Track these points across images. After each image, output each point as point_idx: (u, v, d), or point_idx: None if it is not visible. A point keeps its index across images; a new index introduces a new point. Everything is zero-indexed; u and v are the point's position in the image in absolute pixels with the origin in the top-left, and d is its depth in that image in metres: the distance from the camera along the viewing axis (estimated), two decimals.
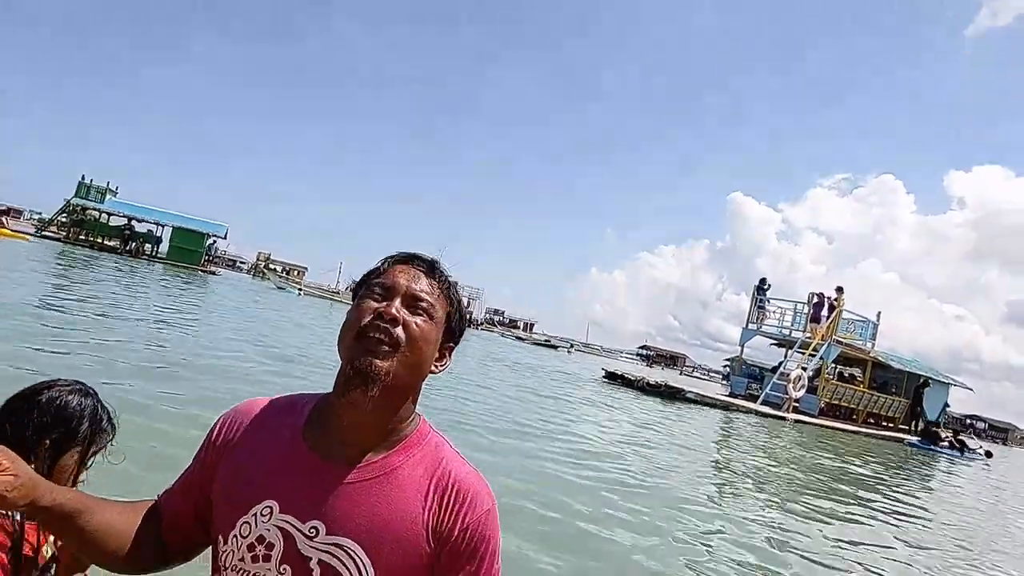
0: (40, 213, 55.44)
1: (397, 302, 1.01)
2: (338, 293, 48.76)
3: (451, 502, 1.00)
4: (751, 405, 20.18)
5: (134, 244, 38.13)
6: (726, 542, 5.10)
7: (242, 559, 0.97)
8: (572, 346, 76.26)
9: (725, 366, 49.72)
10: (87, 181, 38.09)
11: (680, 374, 68.56)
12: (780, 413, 19.81)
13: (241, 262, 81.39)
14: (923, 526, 7.74)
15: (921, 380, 24.92)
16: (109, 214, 38.85)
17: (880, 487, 10.12)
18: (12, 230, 31.36)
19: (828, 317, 22.52)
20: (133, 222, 38.71)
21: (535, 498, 5.10)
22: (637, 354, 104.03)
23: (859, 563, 5.34)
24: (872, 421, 24.44)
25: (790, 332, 23.97)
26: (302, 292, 46.40)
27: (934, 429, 22.44)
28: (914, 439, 21.57)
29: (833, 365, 24.20)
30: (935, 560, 6.11)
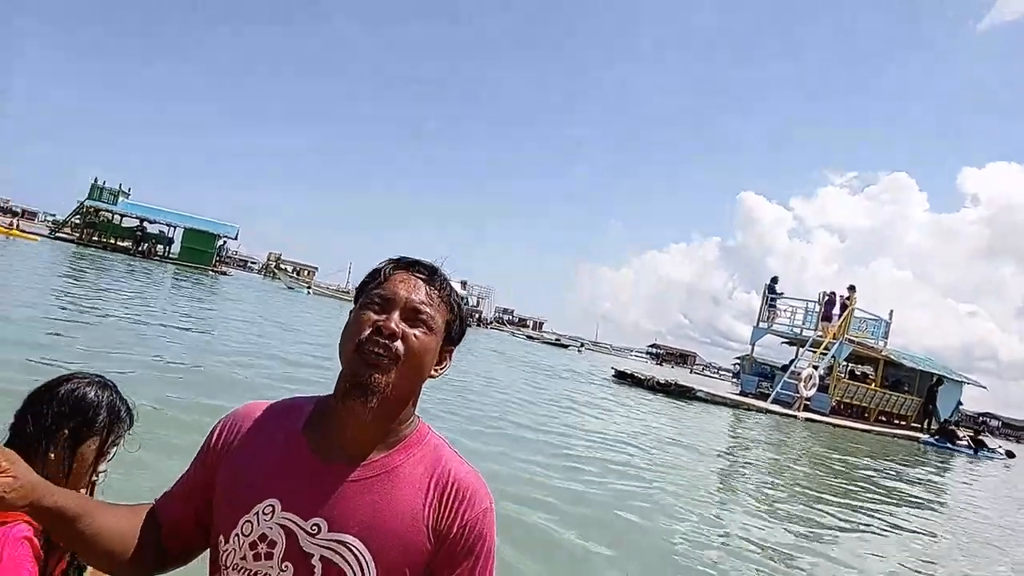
0: (54, 215, 56.07)
1: (396, 315, 1.01)
2: (348, 292, 48.97)
3: (450, 499, 1.02)
4: (762, 404, 20.07)
5: (146, 245, 38.48)
6: (737, 541, 5.08)
7: (244, 557, 0.98)
8: (583, 345, 76.17)
9: (735, 364, 49.55)
10: (100, 183, 38.45)
11: (691, 372, 68.31)
12: (791, 412, 19.69)
13: (252, 262, 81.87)
14: (940, 524, 7.67)
15: (934, 379, 24.69)
16: (122, 215, 39.22)
17: (896, 486, 10.04)
18: (23, 231, 31.75)
19: (840, 315, 22.36)
20: (145, 223, 39.08)
21: (542, 498, 5.10)
22: (647, 352, 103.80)
23: (874, 560, 5.31)
24: (884, 419, 24.25)
25: (801, 331, 23.81)
26: (311, 292, 46.56)
27: (951, 428, 21.93)
28: (930, 438, 21.20)
29: (845, 363, 24.03)
30: (954, 557, 6.06)
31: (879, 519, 7.24)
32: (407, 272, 1.06)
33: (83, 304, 10.98)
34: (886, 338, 24.37)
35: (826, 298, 23.05)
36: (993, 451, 22.29)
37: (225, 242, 43.84)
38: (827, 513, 6.95)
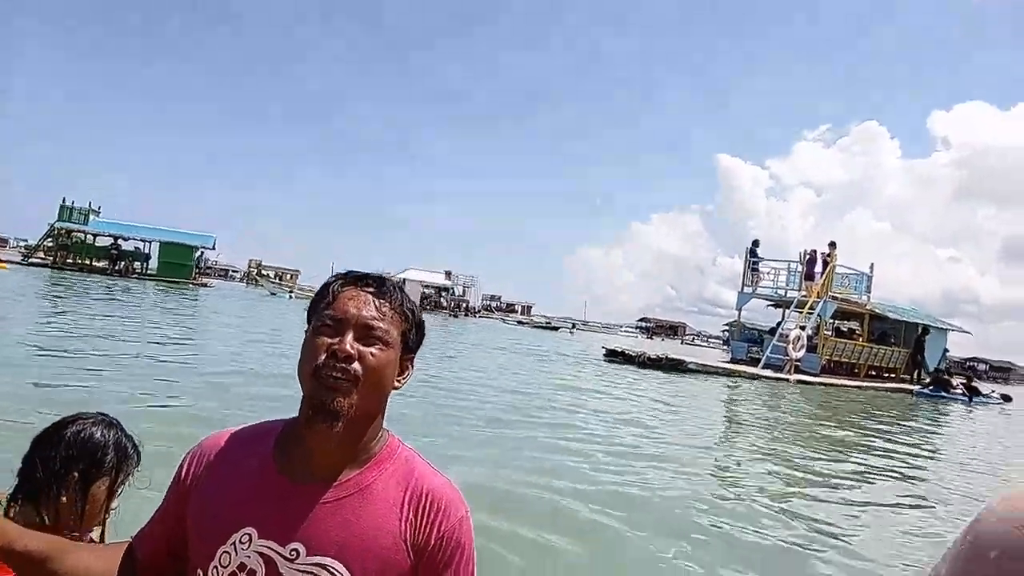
0: (26, 240, 55.05)
1: (349, 337, 0.99)
2: None
3: (426, 512, 1.02)
4: (753, 370, 20.21)
5: (123, 263, 37.88)
6: (739, 509, 5.07)
7: None
8: (574, 326, 76.31)
9: (724, 331, 49.93)
10: (69, 203, 37.75)
11: (681, 343, 68.92)
12: (782, 375, 19.85)
13: (234, 271, 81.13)
14: (940, 472, 7.75)
15: (920, 329, 24.99)
16: (95, 235, 38.54)
17: (894, 438, 10.14)
18: None
19: (822, 273, 22.50)
20: (119, 241, 38.47)
21: (542, 485, 5.05)
22: (637, 327, 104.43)
23: (882, 511, 5.34)
24: (874, 374, 24.54)
25: (785, 292, 23.96)
26: (292, 295, 46.31)
27: (944, 376, 22.04)
28: (923, 388, 21.34)
29: (831, 321, 24.24)
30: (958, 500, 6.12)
31: (881, 475, 7.30)
32: (355, 288, 1.04)
33: (67, 332, 10.77)
34: (869, 292, 24.61)
35: (807, 257, 23.18)
36: (988, 396, 22.23)
37: (203, 253, 43.31)
38: (828, 472, 6.99)
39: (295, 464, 1.03)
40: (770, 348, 21.57)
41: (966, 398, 20.82)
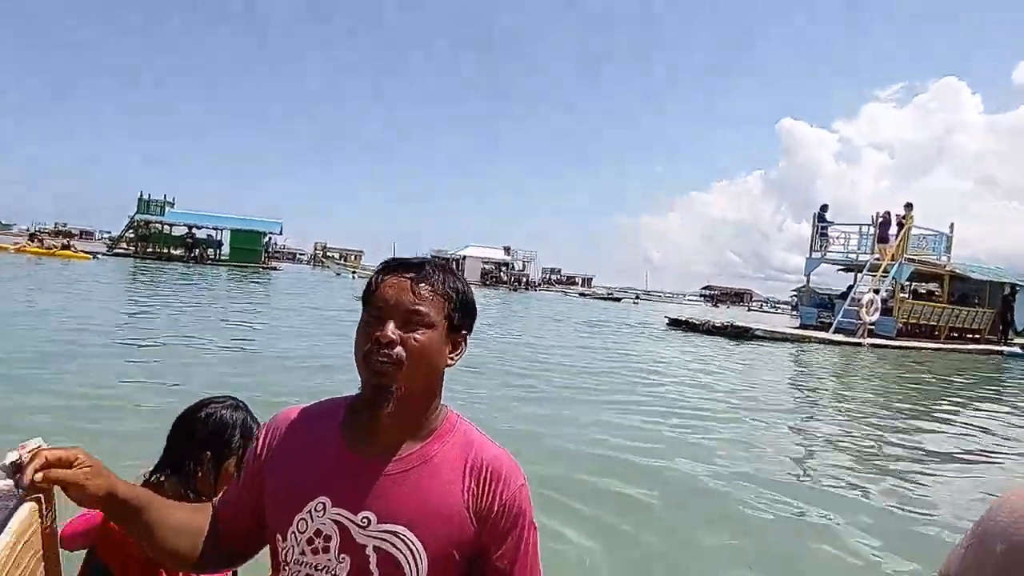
0: (110, 232, 58.27)
1: (391, 325, 1.05)
2: None
3: (486, 482, 1.08)
4: (824, 335, 19.61)
5: (198, 251, 39.71)
6: (822, 472, 5.02)
7: (303, 553, 1.05)
8: (637, 297, 75.39)
9: (793, 297, 48.42)
10: (146, 196, 39.75)
11: (748, 311, 67.15)
12: (855, 340, 19.19)
13: (301, 254, 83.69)
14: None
15: (1006, 288, 23.63)
16: (171, 225, 40.56)
17: (975, 404, 9.71)
18: (78, 250, 33.18)
19: (897, 235, 21.51)
20: (194, 230, 40.32)
21: (618, 452, 5.12)
22: (701, 295, 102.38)
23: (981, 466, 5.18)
24: (956, 336, 23.42)
25: (857, 256, 23.03)
26: (355, 275, 47.50)
27: None
28: (1016, 350, 20.15)
29: (907, 284, 23.19)
30: None
31: (972, 437, 7.04)
32: (395, 276, 1.09)
33: (159, 320, 11.42)
34: (949, 252, 23.40)
35: (880, 219, 22.17)
36: None
37: (271, 238, 44.88)
38: (905, 442, 6.79)
39: (361, 439, 1.09)
40: (841, 312, 20.85)
41: None
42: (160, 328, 10.20)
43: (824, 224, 23.52)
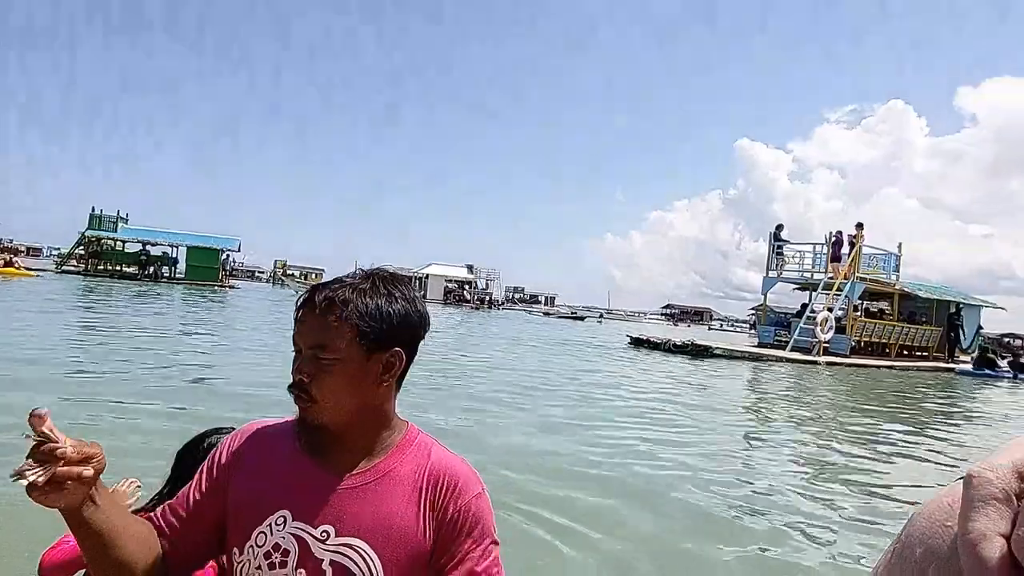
0: (59, 248, 56.37)
1: (302, 363, 1.09)
2: None
3: (443, 490, 1.10)
4: (781, 353, 20.00)
5: (152, 268, 38.62)
6: (775, 492, 5.06)
7: (259, 567, 1.05)
8: (601, 316, 75.84)
9: (751, 316, 49.39)
10: (98, 212, 38.57)
11: (708, 329, 68.19)
12: (811, 357, 19.62)
13: (260, 272, 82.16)
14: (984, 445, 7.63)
15: (952, 306, 24.52)
16: (124, 241, 39.42)
17: (946, 420, 9.99)
18: (24, 268, 31.97)
19: (848, 255, 22.17)
20: (148, 247, 39.25)
21: (563, 469, 5.09)
22: (662, 314, 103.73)
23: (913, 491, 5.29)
24: (906, 353, 24.17)
25: (811, 275, 23.66)
26: None
27: (990, 355, 21.41)
28: (968, 367, 20.78)
29: (860, 302, 23.91)
30: None
31: (916, 455, 7.21)
32: (302, 312, 1.11)
33: (98, 339, 11.03)
34: (898, 271, 24.21)
35: (833, 239, 22.84)
36: None
37: (229, 255, 43.98)
38: (855, 454, 6.92)
39: (322, 455, 1.12)
40: (798, 331, 21.33)
41: (1010, 375, 20.27)
42: (95, 354, 9.83)
43: (780, 243, 24.10)
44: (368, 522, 1.06)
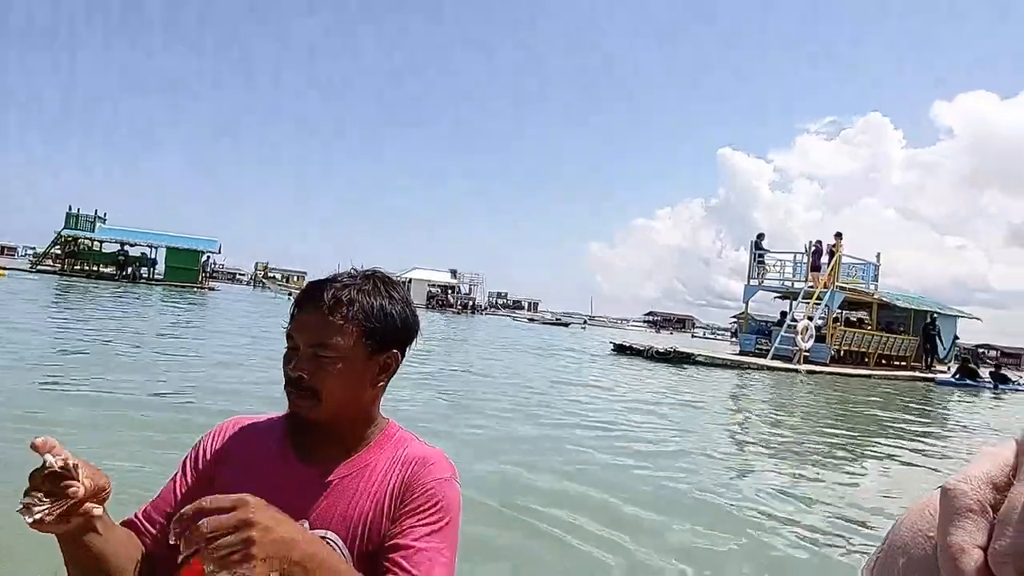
0: (34, 248, 55.41)
1: (302, 360, 1.08)
2: None
3: (411, 466, 1.12)
4: (762, 361, 20.16)
5: (130, 269, 38.05)
6: (752, 500, 5.06)
7: None
8: (585, 322, 75.98)
9: (732, 324, 49.74)
10: (75, 211, 37.95)
11: (691, 337, 68.58)
12: (792, 366, 19.79)
13: (240, 274, 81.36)
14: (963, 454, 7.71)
15: (928, 316, 24.88)
16: (101, 241, 38.80)
17: (926, 430, 10.08)
18: None
19: (828, 264, 22.44)
20: (126, 247, 38.67)
21: (547, 475, 5.06)
22: (645, 321, 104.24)
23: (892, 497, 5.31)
24: (884, 362, 24.46)
25: (792, 283, 23.92)
26: (291, 296, 46.53)
27: (970, 365, 21.62)
28: (949, 377, 20.99)
29: (839, 311, 24.22)
30: None
31: (895, 464, 7.26)
32: (302, 309, 1.12)
33: (75, 341, 10.83)
34: (876, 281, 24.55)
35: (813, 248, 23.12)
36: (1017, 384, 21.56)
37: (209, 257, 43.49)
38: (834, 460, 6.96)
39: (305, 452, 1.14)
40: (778, 339, 21.51)
41: (990, 385, 20.49)
42: (64, 358, 9.64)
43: (761, 252, 24.36)
44: (340, 514, 1.08)
